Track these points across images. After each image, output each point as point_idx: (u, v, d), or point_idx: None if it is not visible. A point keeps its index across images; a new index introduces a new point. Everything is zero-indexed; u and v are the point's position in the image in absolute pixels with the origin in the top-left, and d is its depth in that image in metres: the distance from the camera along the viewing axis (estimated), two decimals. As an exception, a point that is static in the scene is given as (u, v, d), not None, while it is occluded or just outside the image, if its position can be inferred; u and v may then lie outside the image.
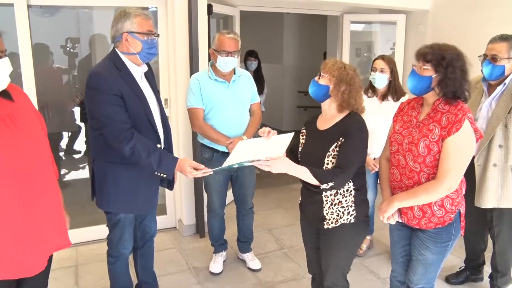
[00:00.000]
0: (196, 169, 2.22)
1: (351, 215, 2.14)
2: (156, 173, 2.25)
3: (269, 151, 2.00)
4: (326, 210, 2.15)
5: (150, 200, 2.42)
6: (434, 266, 2.11)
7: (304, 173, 2.02)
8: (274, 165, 1.97)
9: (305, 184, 2.17)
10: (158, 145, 2.33)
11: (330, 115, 2.17)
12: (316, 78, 2.15)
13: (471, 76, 2.00)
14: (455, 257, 3.50)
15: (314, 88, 2.15)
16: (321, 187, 2.05)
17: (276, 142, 2.01)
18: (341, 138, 2.05)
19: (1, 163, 1.58)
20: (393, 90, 3.24)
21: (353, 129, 2.07)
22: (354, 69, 2.13)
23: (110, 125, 2.16)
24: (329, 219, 2.15)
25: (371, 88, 3.35)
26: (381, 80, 3.21)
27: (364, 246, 3.60)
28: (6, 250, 1.64)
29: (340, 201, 2.13)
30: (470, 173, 2.83)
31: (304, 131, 2.31)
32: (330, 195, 2.12)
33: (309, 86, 2.17)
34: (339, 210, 2.13)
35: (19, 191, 1.64)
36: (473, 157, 2.74)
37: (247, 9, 4.66)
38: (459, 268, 3.27)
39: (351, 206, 2.14)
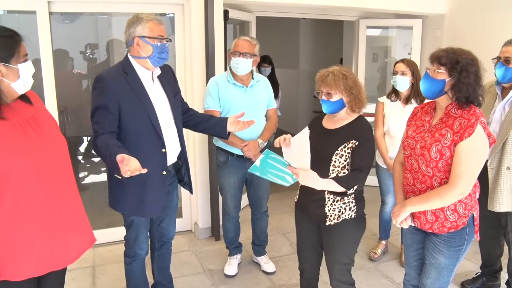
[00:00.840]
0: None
1: (352, 211, 2.24)
2: (116, 175, 2.16)
3: (295, 156, 2.08)
4: (328, 207, 2.23)
5: (157, 203, 2.41)
6: (447, 270, 2.10)
7: (330, 185, 2.09)
8: (302, 176, 2.04)
9: None
10: (163, 150, 2.34)
11: (339, 117, 2.27)
12: (325, 98, 2.20)
13: (486, 80, 2.00)
14: (471, 263, 3.46)
15: (330, 107, 2.21)
16: (348, 193, 2.13)
17: (296, 143, 2.08)
18: (353, 141, 2.14)
19: (29, 161, 1.64)
20: (416, 92, 3.23)
21: (365, 133, 2.20)
22: (348, 69, 2.25)
23: (93, 124, 2.22)
24: (331, 216, 2.23)
25: (394, 92, 3.35)
26: (402, 83, 3.22)
27: (379, 251, 3.59)
28: (29, 248, 1.69)
29: (342, 198, 2.21)
30: (483, 177, 2.82)
31: (309, 131, 2.35)
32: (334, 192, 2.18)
33: (323, 108, 2.24)
34: (340, 206, 2.22)
35: (45, 189, 1.70)
36: (486, 161, 2.72)
37: (263, 15, 4.70)
38: (475, 274, 3.24)
39: (352, 202, 2.24)
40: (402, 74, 3.21)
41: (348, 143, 2.15)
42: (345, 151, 2.16)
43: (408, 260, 2.32)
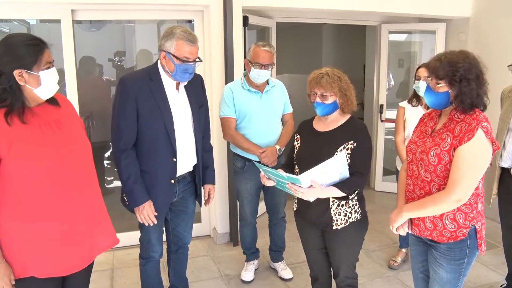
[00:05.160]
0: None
1: (357, 213, 2.25)
2: (123, 194, 2.37)
3: (329, 176, 2.07)
4: (333, 211, 2.21)
5: (160, 210, 2.40)
6: (450, 285, 1.99)
7: (333, 192, 2.10)
8: (306, 193, 2.05)
9: None
10: (174, 159, 2.36)
11: (331, 119, 2.26)
12: (319, 100, 2.19)
13: (490, 77, 1.90)
14: (496, 274, 3.36)
15: (325, 109, 2.20)
16: (350, 197, 2.16)
17: (332, 166, 2.04)
18: (351, 142, 2.14)
19: (46, 165, 1.69)
20: None
21: (362, 134, 2.20)
22: (341, 71, 2.24)
23: (113, 130, 2.29)
24: (337, 220, 2.22)
25: (415, 97, 3.29)
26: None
27: (399, 259, 3.51)
28: (52, 247, 1.74)
29: (347, 202, 2.20)
30: (509, 186, 2.74)
31: (298, 136, 2.38)
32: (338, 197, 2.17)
33: (317, 110, 2.23)
34: (346, 210, 2.22)
35: (63, 192, 1.74)
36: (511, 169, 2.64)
37: (284, 21, 4.69)
38: (501, 286, 3.14)
39: (356, 205, 2.25)
40: (426, 79, 3.13)
41: (347, 143, 2.15)
42: (345, 154, 2.14)
43: (414, 271, 2.24)
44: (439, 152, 1.86)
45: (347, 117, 2.26)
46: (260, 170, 2.22)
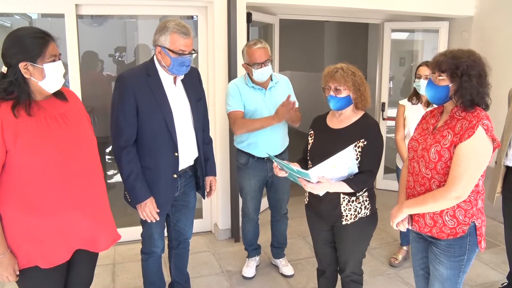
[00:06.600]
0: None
1: (367, 209, 2.27)
2: (125, 191, 2.39)
3: (338, 170, 2.11)
4: (343, 207, 2.24)
5: (163, 205, 2.41)
6: (450, 282, 2.00)
7: (342, 187, 2.15)
8: (316, 187, 2.09)
9: None
10: (176, 154, 2.36)
11: (345, 116, 2.28)
12: (333, 94, 2.21)
13: (493, 78, 1.90)
14: (497, 273, 3.37)
15: (338, 103, 2.22)
16: (357, 194, 2.22)
17: (341, 160, 2.07)
18: (362, 140, 2.16)
19: (50, 158, 1.71)
20: None
21: (373, 131, 2.21)
22: (355, 67, 2.25)
23: (113, 127, 2.29)
24: (347, 216, 2.25)
25: (415, 95, 3.29)
26: None
27: (400, 257, 3.52)
28: (56, 238, 1.76)
29: (357, 197, 2.23)
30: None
31: (312, 132, 2.40)
32: (347, 193, 2.20)
33: (330, 104, 2.24)
34: (356, 206, 2.24)
35: (68, 186, 1.76)
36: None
37: (287, 18, 4.70)
38: (502, 285, 3.15)
39: (366, 201, 2.27)
40: (427, 78, 3.13)
41: (358, 141, 2.16)
42: (356, 150, 2.15)
43: (415, 268, 2.26)
44: (440, 149, 1.87)
45: (361, 114, 2.27)
46: (274, 161, 2.26)
